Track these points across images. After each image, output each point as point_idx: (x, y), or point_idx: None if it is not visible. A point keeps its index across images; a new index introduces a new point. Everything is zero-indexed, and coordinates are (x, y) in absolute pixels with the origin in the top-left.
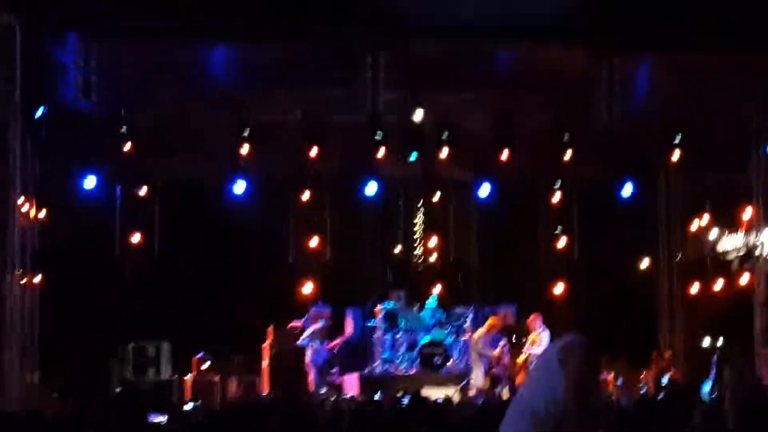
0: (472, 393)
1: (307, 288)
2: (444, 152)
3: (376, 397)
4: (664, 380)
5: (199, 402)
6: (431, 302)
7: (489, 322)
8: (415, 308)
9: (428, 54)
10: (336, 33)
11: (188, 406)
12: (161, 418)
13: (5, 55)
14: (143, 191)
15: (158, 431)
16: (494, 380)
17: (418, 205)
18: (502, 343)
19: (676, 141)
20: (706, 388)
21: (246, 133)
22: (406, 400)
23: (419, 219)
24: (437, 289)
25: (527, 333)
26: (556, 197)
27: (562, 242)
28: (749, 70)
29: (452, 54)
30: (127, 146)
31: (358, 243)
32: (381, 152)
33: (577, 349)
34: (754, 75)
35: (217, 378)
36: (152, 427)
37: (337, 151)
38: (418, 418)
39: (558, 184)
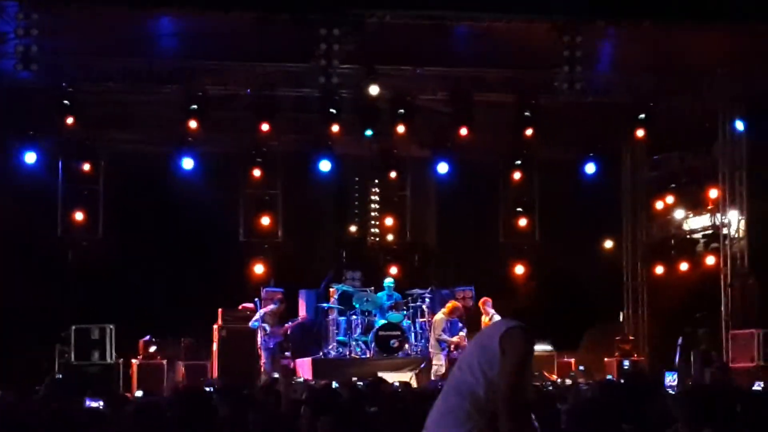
0: (433, 378)
1: (259, 269)
2: (400, 128)
3: (334, 384)
4: (626, 364)
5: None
6: (388, 283)
7: (449, 305)
8: (371, 290)
9: (384, 27)
10: (289, 3)
11: (138, 393)
12: (97, 404)
13: None
14: (87, 167)
15: (97, 418)
16: (451, 363)
17: (374, 183)
18: (462, 332)
19: (640, 118)
20: (671, 377)
21: (194, 107)
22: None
23: (375, 198)
24: (393, 270)
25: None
26: (517, 176)
27: (522, 222)
28: (716, 46)
29: (409, 27)
30: (70, 120)
31: (311, 222)
32: (335, 128)
33: (517, 339)
34: (722, 50)
35: (164, 362)
36: (90, 413)
37: (289, 127)
38: (376, 403)
39: (518, 163)
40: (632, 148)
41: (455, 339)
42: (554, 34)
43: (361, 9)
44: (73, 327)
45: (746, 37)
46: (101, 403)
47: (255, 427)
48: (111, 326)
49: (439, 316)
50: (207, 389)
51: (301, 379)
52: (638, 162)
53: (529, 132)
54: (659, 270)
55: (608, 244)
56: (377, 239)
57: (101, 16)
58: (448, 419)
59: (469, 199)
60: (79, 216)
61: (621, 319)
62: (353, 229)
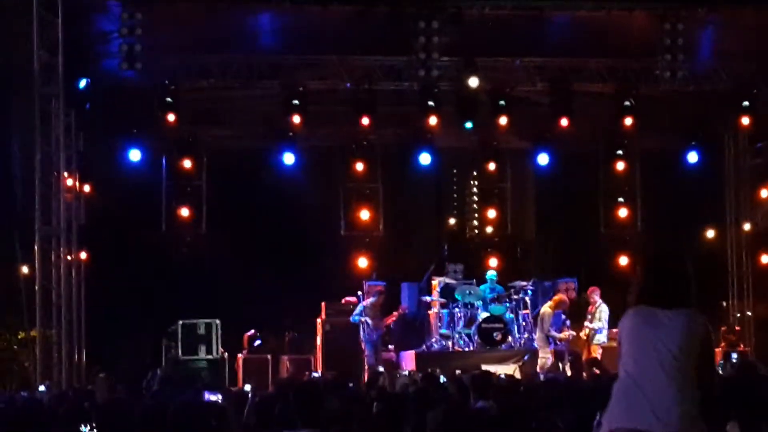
0: (539, 371)
1: (362, 262)
2: (502, 120)
3: (442, 379)
4: (734, 356)
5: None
6: (491, 276)
7: (556, 298)
8: (473, 282)
9: (483, 19)
10: None
11: (246, 388)
12: (216, 397)
13: (47, 26)
14: (189, 164)
15: (216, 411)
16: (557, 356)
17: (474, 176)
18: (567, 325)
19: (744, 105)
20: None
21: (295, 103)
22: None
23: (475, 190)
24: (494, 262)
25: (586, 306)
26: (619, 166)
27: (623, 212)
28: None
29: (508, 18)
30: (172, 117)
31: (412, 215)
32: (434, 121)
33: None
34: None
35: (268, 356)
36: (210, 406)
37: (388, 121)
38: (484, 397)
39: (620, 153)
40: (735, 136)
41: (564, 335)
42: (654, 22)
43: (459, 1)
44: (180, 322)
45: None
46: (220, 396)
47: (361, 420)
48: (217, 321)
49: (547, 309)
50: (318, 383)
51: (406, 372)
52: (741, 150)
53: (629, 121)
54: (765, 259)
55: (712, 233)
56: (477, 232)
57: (201, 12)
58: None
59: (570, 189)
60: (183, 212)
61: (723, 309)
62: (453, 221)
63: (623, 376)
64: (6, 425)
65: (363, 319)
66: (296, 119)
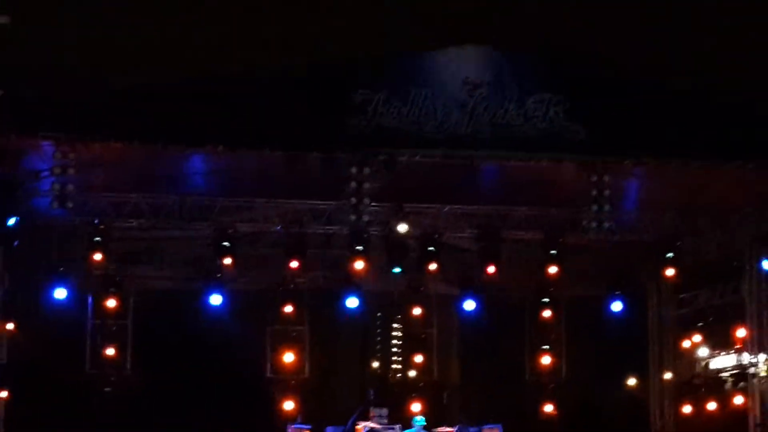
0: None
1: (287, 405)
2: (432, 266)
3: None
4: None
5: None
6: (419, 421)
7: None
8: (399, 427)
9: (415, 166)
10: (321, 145)
11: None
12: None
13: None
14: (115, 303)
15: None
16: None
17: (400, 320)
18: None
19: (668, 256)
20: None
21: (225, 244)
22: None
23: (402, 334)
24: (419, 407)
25: None
26: (545, 313)
27: (546, 360)
28: (742, 184)
29: (439, 166)
30: (98, 256)
31: (338, 358)
32: (362, 265)
33: None
34: (748, 189)
35: None
36: None
37: (316, 264)
38: None
39: (545, 300)
40: (659, 286)
41: None
42: (582, 173)
43: (392, 149)
44: None
45: None
46: None
47: None
48: None
49: None
50: None
51: None
52: (665, 300)
53: (553, 270)
54: (687, 409)
55: (635, 382)
56: (402, 376)
57: (134, 153)
58: None
59: (496, 335)
60: (108, 351)
61: None
62: (379, 365)
63: None
64: None
65: None
66: (226, 261)
